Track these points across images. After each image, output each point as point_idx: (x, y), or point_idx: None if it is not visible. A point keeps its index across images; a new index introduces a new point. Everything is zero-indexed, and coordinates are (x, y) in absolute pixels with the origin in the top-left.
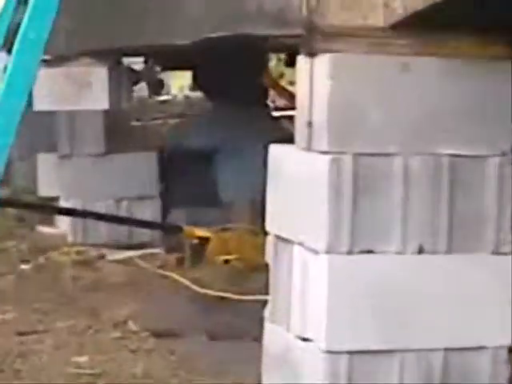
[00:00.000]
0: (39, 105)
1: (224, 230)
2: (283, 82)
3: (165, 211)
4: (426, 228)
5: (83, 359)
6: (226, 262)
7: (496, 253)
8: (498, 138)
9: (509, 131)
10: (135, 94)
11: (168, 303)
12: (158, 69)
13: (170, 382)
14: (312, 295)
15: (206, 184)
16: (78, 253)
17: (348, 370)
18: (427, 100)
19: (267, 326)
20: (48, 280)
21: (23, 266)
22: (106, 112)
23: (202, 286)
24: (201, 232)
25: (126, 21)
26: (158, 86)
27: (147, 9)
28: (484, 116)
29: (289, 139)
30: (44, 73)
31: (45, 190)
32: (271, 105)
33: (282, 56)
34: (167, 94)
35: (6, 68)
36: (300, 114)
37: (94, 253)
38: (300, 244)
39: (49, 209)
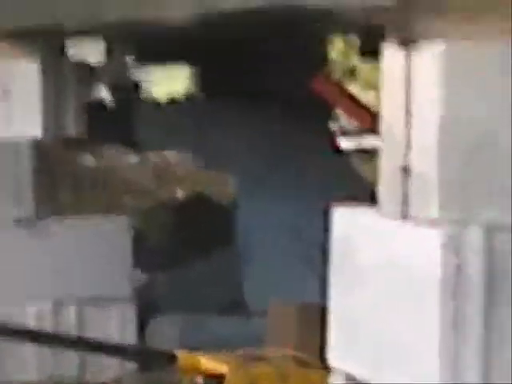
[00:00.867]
0: None
1: (251, 358)
2: (354, 86)
3: (144, 321)
4: None
5: None
6: None
7: None
8: None
9: None
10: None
11: None
12: (129, 62)
13: None
14: None
15: (219, 275)
16: None
17: None
18: None
19: None
20: None
21: None
22: (36, 145)
23: None
24: (210, 362)
25: None
26: (130, 93)
27: None
28: None
29: (364, 193)
30: None
31: None
32: (334, 126)
33: (352, 41)
34: None
35: None
36: (387, 150)
37: None
38: None
39: None
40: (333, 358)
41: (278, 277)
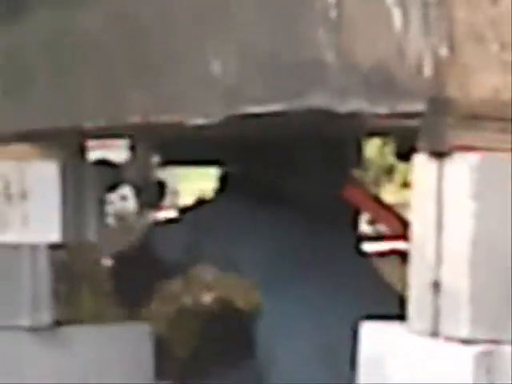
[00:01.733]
0: None
1: None
2: (391, 185)
3: None
4: None
5: None
6: None
7: None
8: None
9: None
10: (113, 210)
11: None
12: (154, 161)
13: None
14: None
15: None
16: None
17: None
18: None
19: None
20: None
21: None
22: (55, 249)
23: None
24: None
25: (93, 81)
26: (154, 193)
27: (137, 63)
28: None
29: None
30: None
31: None
32: (365, 229)
33: (388, 140)
34: (172, 207)
35: None
36: (417, 264)
37: None
38: None
39: None
40: None
41: None
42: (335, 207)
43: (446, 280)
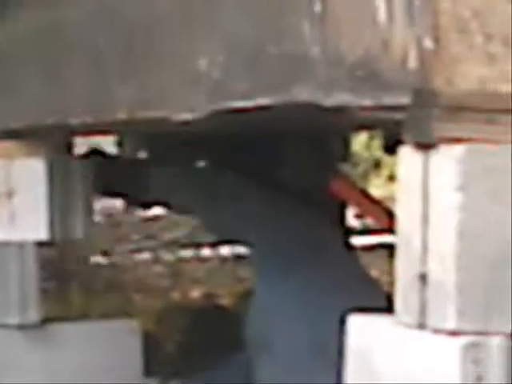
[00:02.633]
0: None
1: None
2: (378, 178)
3: None
4: None
5: None
6: None
7: None
8: None
9: None
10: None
11: None
12: (140, 158)
13: None
14: None
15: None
16: None
17: None
18: None
19: None
20: None
21: None
22: (42, 247)
23: None
24: None
25: (79, 78)
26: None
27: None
28: None
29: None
30: None
31: None
32: (353, 223)
33: (375, 134)
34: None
35: None
36: (403, 257)
37: None
38: None
39: None
40: None
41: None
42: (322, 201)
43: (433, 272)
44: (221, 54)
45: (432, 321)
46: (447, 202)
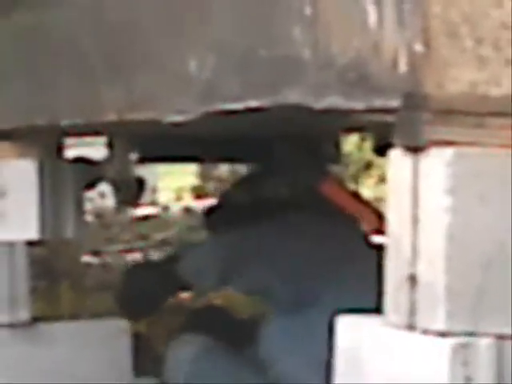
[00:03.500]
0: None
1: None
2: (369, 180)
3: None
4: None
5: None
6: None
7: None
8: None
9: None
10: (91, 207)
11: None
12: (133, 158)
13: None
14: None
15: None
16: None
17: None
18: None
19: None
20: None
21: None
22: (32, 246)
23: None
24: None
25: (69, 80)
26: (133, 191)
27: (112, 61)
28: None
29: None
30: None
31: None
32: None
33: (367, 135)
34: (151, 204)
35: None
36: (393, 258)
37: None
38: None
39: None
40: None
41: None
42: (311, 203)
43: (423, 274)
44: (211, 56)
45: (421, 322)
46: (437, 204)
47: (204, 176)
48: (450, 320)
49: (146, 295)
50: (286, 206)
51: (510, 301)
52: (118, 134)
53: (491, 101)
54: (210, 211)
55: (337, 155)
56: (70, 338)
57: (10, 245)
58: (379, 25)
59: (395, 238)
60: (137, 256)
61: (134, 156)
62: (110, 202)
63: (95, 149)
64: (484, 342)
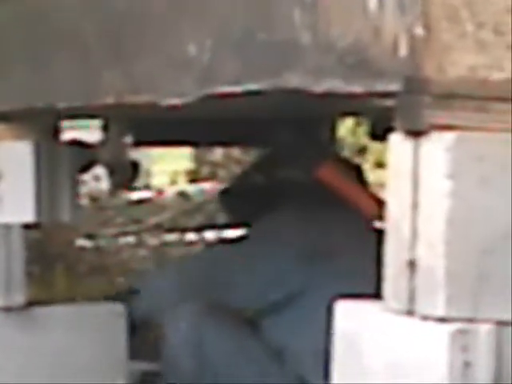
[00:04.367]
0: None
1: None
2: (364, 165)
3: None
4: None
5: None
6: None
7: None
8: None
9: None
10: (86, 190)
11: None
12: (127, 142)
13: None
14: None
15: None
16: None
17: None
18: None
19: None
20: None
21: None
22: (28, 229)
23: None
24: None
25: (67, 62)
26: (128, 174)
27: (110, 44)
28: None
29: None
30: None
31: None
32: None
33: (362, 120)
34: (146, 188)
35: None
36: (393, 243)
37: None
38: None
39: None
40: None
41: None
42: (306, 187)
43: (422, 259)
44: (210, 39)
45: (420, 307)
46: (437, 189)
47: (199, 160)
48: (449, 306)
49: None
50: (303, 189)
51: (511, 286)
52: (114, 118)
53: (492, 85)
54: (225, 192)
55: (332, 140)
56: (65, 322)
57: (6, 228)
58: (379, 8)
59: (395, 223)
60: (130, 239)
61: (128, 139)
62: (104, 185)
63: (90, 132)
64: (484, 328)
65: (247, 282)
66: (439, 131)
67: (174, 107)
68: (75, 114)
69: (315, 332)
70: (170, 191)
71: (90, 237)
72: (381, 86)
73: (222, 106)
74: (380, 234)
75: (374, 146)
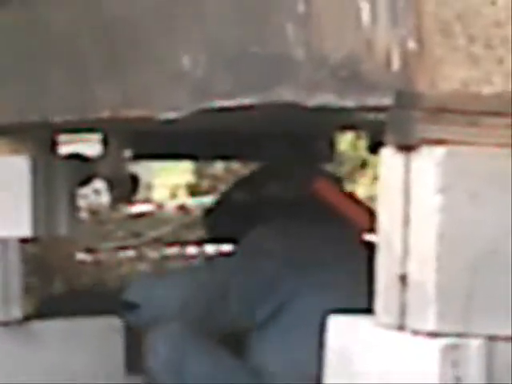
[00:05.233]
0: None
1: None
2: (364, 178)
3: None
4: None
5: None
6: None
7: None
8: None
9: None
10: (85, 203)
11: None
12: (127, 155)
13: None
14: None
15: None
16: None
17: None
18: None
19: None
20: None
21: None
22: (25, 244)
23: None
24: None
25: (62, 76)
26: (127, 188)
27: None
28: None
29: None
30: None
31: None
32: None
33: (361, 134)
34: (146, 201)
35: None
36: (384, 258)
37: None
38: None
39: None
40: None
41: None
42: (304, 202)
43: (413, 274)
44: (204, 53)
45: (412, 322)
46: (428, 203)
47: (199, 173)
48: (440, 321)
49: None
50: (288, 205)
51: (501, 302)
52: (113, 131)
53: (483, 99)
54: (209, 211)
55: (331, 154)
56: (63, 336)
57: (3, 242)
58: (372, 22)
59: (386, 237)
60: (130, 253)
61: (128, 153)
62: (104, 199)
63: (89, 145)
64: (474, 343)
65: (237, 298)
66: (430, 146)
67: (168, 121)
68: (73, 128)
69: (298, 353)
70: (171, 205)
71: (89, 251)
72: (373, 101)
73: (217, 120)
74: (372, 247)
75: (375, 159)
